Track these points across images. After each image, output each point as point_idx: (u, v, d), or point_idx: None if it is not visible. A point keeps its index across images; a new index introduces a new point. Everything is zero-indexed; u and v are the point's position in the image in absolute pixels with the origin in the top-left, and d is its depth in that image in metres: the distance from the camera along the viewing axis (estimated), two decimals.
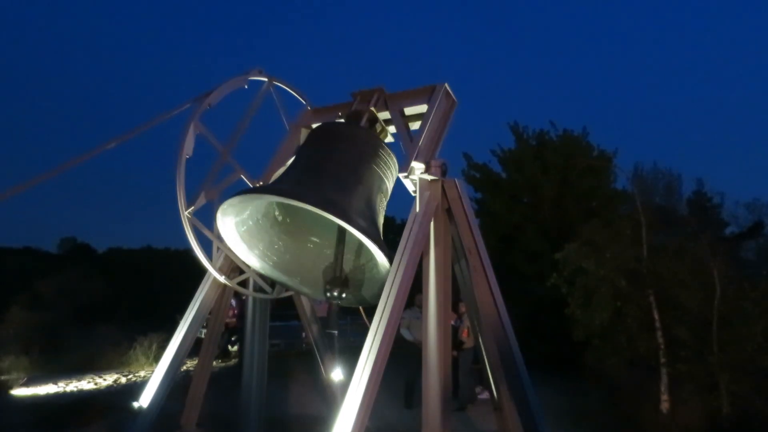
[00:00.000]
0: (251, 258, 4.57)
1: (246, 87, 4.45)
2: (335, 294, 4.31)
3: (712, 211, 13.23)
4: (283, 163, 4.89)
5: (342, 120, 4.74)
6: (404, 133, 4.38)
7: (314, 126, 4.98)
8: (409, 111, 4.56)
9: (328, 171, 4.14)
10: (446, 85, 4.37)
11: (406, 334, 8.92)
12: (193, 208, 4.20)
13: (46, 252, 31.89)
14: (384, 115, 4.66)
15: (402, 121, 4.47)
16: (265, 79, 4.60)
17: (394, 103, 4.56)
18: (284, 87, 4.89)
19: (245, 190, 4.09)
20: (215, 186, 4.40)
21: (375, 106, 4.59)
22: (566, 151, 14.28)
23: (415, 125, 4.56)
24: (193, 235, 4.18)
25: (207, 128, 4.22)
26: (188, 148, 4.10)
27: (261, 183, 4.92)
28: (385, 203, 4.58)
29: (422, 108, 4.41)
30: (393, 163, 4.57)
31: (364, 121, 4.58)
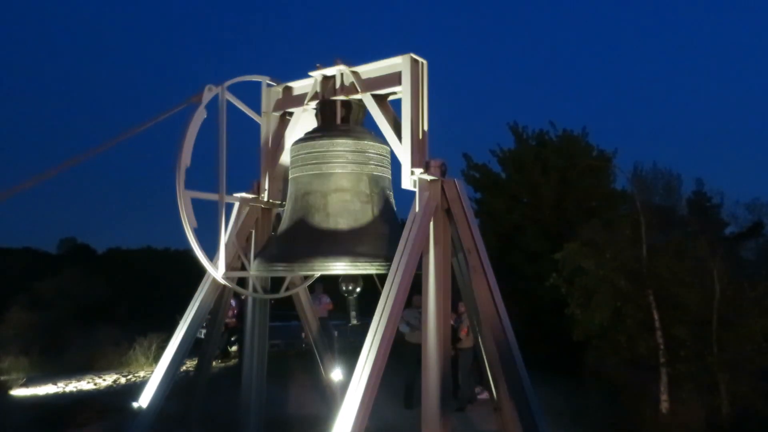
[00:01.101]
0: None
1: (206, 115, 4.35)
2: (350, 288, 4.40)
3: (712, 211, 13.21)
4: (273, 156, 4.94)
5: (315, 110, 4.67)
6: (393, 137, 4.28)
7: (286, 110, 4.91)
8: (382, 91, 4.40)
9: (337, 209, 4.27)
10: (411, 55, 4.16)
11: (404, 328, 8.85)
12: (222, 268, 4.38)
13: (46, 252, 31.83)
14: (353, 89, 4.48)
15: (386, 120, 4.33)
16: (218, 91, 4.47)
17: (363, 84, 4.39)
18: (239, 80, 4.78)
19: (276, 262, 4.37)
20: (233, 228, 4.71)
21: (343, 89, 4.47)
22: (566, 151, 14.27)
23: (392, 89, 4.39)
24: (194, 235, 4.18)
25: (195, 191, 4.28)
26: (190, 218, 4.19)
27: (258, 185, 4.94)
28: (391, 194, 4.63)
29: (396, 88, 4.26)
30: (385, 151, 4.56)
31: (339, 112, 4.51)
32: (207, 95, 4.36)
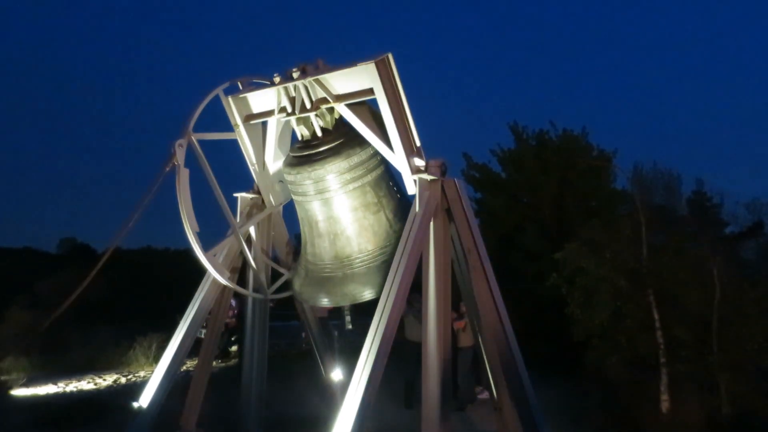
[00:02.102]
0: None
1: (188, 172, 4.29)
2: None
3: (712, 211, 13.20)
4: (259, 161, 4.93)
5: (293, 127, 4.56)
6: (384, 148, 4.19)
7: (257, 113, 4.77)
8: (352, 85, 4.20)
9: (354, 230, 4.34)
10: (373, 62, 3.93)
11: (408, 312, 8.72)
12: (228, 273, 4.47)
13: (46, 252, 31.85)
14: (324, 100, 4.32)
15: (367, 126, 4.21)
16: (186, 142, 4.36)
17: (334, 94, 4.19)
18: (201, 111, 4.54)
19: (306, 297, 4.69)
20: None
21: (312, 103, 4.27)
22: (566, 151, 14.27)
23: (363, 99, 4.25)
24: (195, 235, 4.18)
25: (212, 248, 4.40)
26: (221, 272, 4.39)
27: (258, 187, 4.95)
28: (393, 183, 4.61)
29: (371, 96, 4.09)
30: (375, 150, 4.43)
31: (317, 125, 4.36)
32: (180, 153, 4.25)
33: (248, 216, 4.87)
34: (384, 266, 4.15)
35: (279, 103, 4.43)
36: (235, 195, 4.88)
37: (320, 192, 4.34)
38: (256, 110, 4.75)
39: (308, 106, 4.29)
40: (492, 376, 4.28)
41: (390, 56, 3.97)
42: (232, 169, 4.78)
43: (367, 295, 4.22)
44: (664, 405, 8.28)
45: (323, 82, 4.21)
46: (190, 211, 4.14)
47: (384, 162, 4.52)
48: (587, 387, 9.33)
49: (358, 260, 4.27)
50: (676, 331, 8.34)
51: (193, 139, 4.38)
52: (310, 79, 4.19)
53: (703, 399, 7.97)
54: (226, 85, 4.73)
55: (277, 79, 4.33)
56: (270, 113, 4.57)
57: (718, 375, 7.88)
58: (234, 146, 4.91)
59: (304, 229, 4.63)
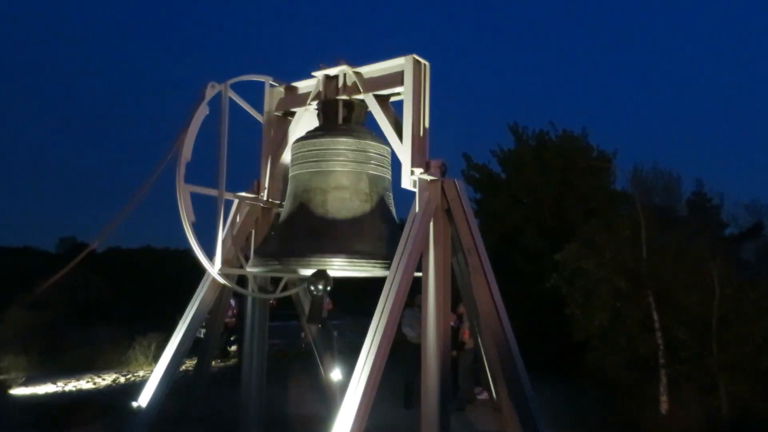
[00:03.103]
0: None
1: (208, 112, 4.36)
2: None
3: (712, 212, 13.21)
4: (274, 156, 4.94)
5: (317, 110, 4.68)
6: (394, 137, 4.29)
7: (288, 110, 4.92)
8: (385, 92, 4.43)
9: (335, 207, 4.27)
10: (414, 56, 4.18)
11: (410, 333, 8.83)
12: (218, 264, 4.35)
13: (45, 251, 31.85)
14: (355, 89, 4.51)
15: (387, 121, 4.35)
16: (221, 89, 4.48)
17: (366, 84, 4.42)
18: (242, 80, 4.78)
19: (273, 258, 4.34)
20: (230, 225, 4.67)
21: (345, 89, 4.48)
22: (566, 152, 14.27)
23: (393, 96, 4.46)
24: (194, 235, 4.18)
25: (195, 185, 4.27)
26: (189, 213, 4.18)
27: (258, 184, 4.93)
28: (390, 194, 4.63)
29: (399, 88, 4.28)
30: (386, 151, 4.56)
31: (341, 112, 4.52)
32: (210, 92, 4.37)
33: (248, 216, 4.86)
34: (351, 246, 4.08)
35: (315, 90, 4.61)
36: (235, 194, 4.87)
37: (318, 161, 4.36)
38: (292, 99, 4.94)
39: (340, 91, 4.48)
40: (492, 376, 4.28)
41: (428, 65, 4.27)
42: (233, 170, 4.77)
43: (326, 265, 4.10)
44: (664, 405, 8.28)
45: (361, 73, 4.45)
46: (190, 142, 4.20)
47: (389, 173, 4.60)
48: (587, 387, 9.34)
49: (327, 234, 4.18)
50: (676, 331, 8.35)
51: (228, 91, 4.50)
52: (351, 69, 4.42)
53: (703, 399, 7.97)
54: (271, 80, 4.95)
55: (322, 66, 4.53)
56: (304, 101, 4.74)
57: (718, 376, 7.88)
58: (234, 147, 4.90)
59: (286, 204, 4.60)
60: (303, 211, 4.35)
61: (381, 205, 4.42)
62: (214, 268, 4.34)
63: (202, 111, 4.30)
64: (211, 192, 4.42)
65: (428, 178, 4.12)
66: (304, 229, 4.28)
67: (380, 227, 4.30)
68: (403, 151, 4.15)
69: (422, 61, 4.24)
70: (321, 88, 4.56)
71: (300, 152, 4.51)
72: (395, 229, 4.36)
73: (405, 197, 4.31)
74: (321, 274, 4.28)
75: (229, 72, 4.76)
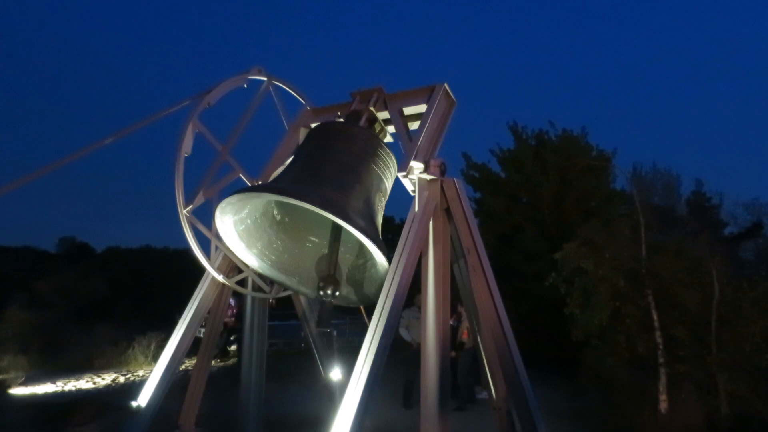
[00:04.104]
0: (249, 257, 4.54)
1: (245, 86, 4.43)
2: (328, 292, 4.28)
3: (711, 212, 13.25)
4: (282, 163, 4.88)
5: (341, 119, 4.74)
6: (403, 132, 4.37)
7: (313, 125, 4.98)
8: (408, 111, 4.56)
9: (326, 170, 4.15)
10: (446, 85, 4.37)
11: (405, 334, 8.92)
12: (191, 206, 4.18)
13: (45, 251, 31.85)
14: (383, 115, 4.67)
15: (401, 120, 4.47)
16: (265, 79, 4.59)
17: (394, 103, 4.57)
18: (283, 86, 4.89)
19: (244, 189, 4.08)
20: (214, 185, 4.38)
21: (374, 106, 4.59)
22: (565, 151, 14.29)
23: (414, 125, 4.57)
24: (192, 233, 4.16)
25: (206, 127, 4.20)
26: (187, 146, 4.09)
27: (260, 182, 4.92)
28: (384, 203, 4.59)
29: (421, 108, 4.41)
30: (392, 162, 4.58)
31: (363, 121, 4.58)
32: (254, 72, 4.44)
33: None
34: (333, 197, 3.87)
35: (345, 109, 4.66)
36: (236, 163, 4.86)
37: (326, 138, 4.33)
38: (319, 117, 4.99)
39: (366, 106, 4.59)
40: (491, 375, 4.28)
41: (455, 101, 4.50)
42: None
43: (303, 195, 3.74)
44: (663, 405, 8.29)
45: (393, 97, 4.59)
46: (217, 95, 4.21)
47: (389, 182, 4.60)
48: (586, 387, 9.35)
49: (313, 184, 4.00)
50: (675, 331, 8.36)
51: (271, 83, 4.61)
52: (384, 93, 4.54)
53: (702, 399, 7.98)
54: (309, 102, 5.01)
55: (357, 96, 4.64)
56: (333, 111, 4.82)
57: (717, 375, 7.89)
58: (237, 147, 4.89)
59: (285, 169, 4.51)
60: (292, 172, 4.19)
61: (371, 197, 4.33)
62: (214, 269, 4.32)
63: (240, 79, 4.34)
64: (216, 145, 4.35)
65: (427, 177, 4.12)
66: (286, 179, 4.13)
67: (364, 210, 4.14)
68: (410, 146, 4.17)
69: (451, 95, 4.45)
70: (353, 107, 4.66)
71: (308, 136, 4.54)
72: (376, 226, 4.29)
73: (405, 197, 4.31)
74: (330, 280, 4.27)
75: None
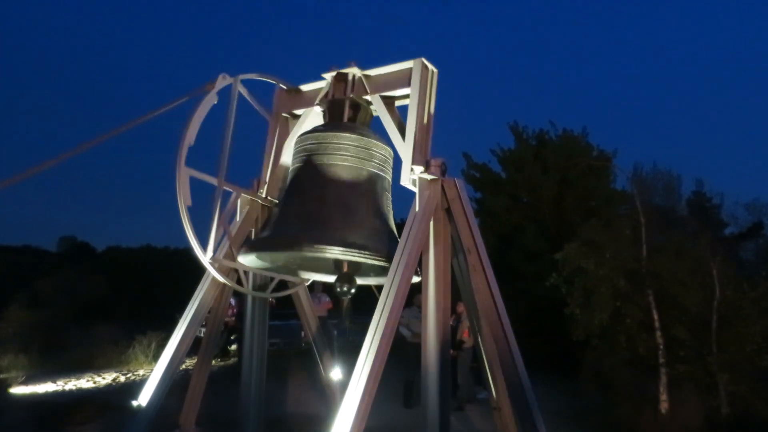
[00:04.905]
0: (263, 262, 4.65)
1: (216, 101, 4.32)
2: (344, 289, 4.33)
3: (712, 212, 13.24)
4: (274, 154, 4.92)
5: (323, 110, 4.70)
6: (397, 136, 4.31)
7: (295, 111, 4.96)
8: (391, 93, 4.48)
9: (332, 199, 4.23)
10: (423, 60, 4.25)
11: (405, 332, 8.91)
12: (210, 252, 4.27)
13: (45, 250, 31.87)
14: (362, 91, 4.56)
15: (392, 120, 4.37)
16: (232, 81, 4.47)
17: (373, 85, 4.48)
18: (253, 77, 4.80)
19: (259, 245, 4.31)
20: (223, 215, 4.55)
21: (353, 90, 4.52)
22: (566, 151, 14.29)
23: (402, 102, 4.49)
24: (188, 217, 4.15)
25: (195, 169, 4.20)
26: (186, 196, 4.11)
27: (262, 191, 4.92)
28: (389, 196, 4.63)
29: (405, 90, 4.33)
30: (389, 153, 4.57)
31: (347, 112, 4.53)
32: (221, 82, 4.35)
33: (247, 215, 4.85)
34: (344, 237, 4.00)
35: (324, 90, 4.62)
36: (233, 187, 4.87)
37: (320, 154, 4.34)
38: (300, 101, 4.95)
39: (347, 92, 4.51)
40: (491, 375, 4.28)
41: (436, 72, 4.33)
42: (232, 170, 4.76)
43: (313, 249, 3.99)
44: (663, 405, 8.29)
45: (370, 75, 4.49)
46: (194, 128, 4.16)
47: (390, 174, 4.60)
48: (586, 387, 9.34)
49: (320, 223, 4.12)
50: (676, 331, 8.35)
51: (238, 84, 4.50)
52: (360, 72, 4.44)
53: (702, 399, 7.97)
54: (283, 83, 4.97)
55: (333, 71, 4.54)
56: (311, 102, 4.76)
57: (717, 375, 7.89)
58: (235, 144, 4.90)
59: (284, 196, 4.57)
60: (298, 202, 4.30)
61: (379, 203, 4.40)
62: (205, 257, 4.27)
63: (211, 98, 4.28)
64: (211, 180, 4.36)
65: (428, 177, 4.12)
66: (297, 218, 4.21)
67: (376, 223, 4.27)
68: (405, 150, 4.15)
69: (430, 66, 4.29)
70: (329, 89, 4.59)
71: (301, 146, 4.52)
72: (392, 229, 4.36)
73: (405, 197, 4.31)
74: (346, 277, 4.30)
75: (237, 69, 4.75)
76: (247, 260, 4.51)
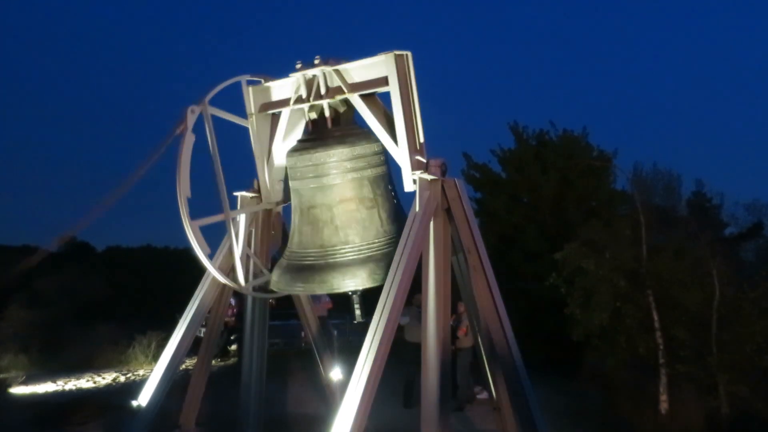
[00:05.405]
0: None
1: (195, 139, 4.28)
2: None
3: (712, 212, 13.22)
4: (265, 155, 4.88)
5: (306, 119, 4.59)
6: (389, 141, 4.23)
7: (270, 111, 4.81)
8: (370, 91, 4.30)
9: (345, 222, 4.30)
10: (394, 53, 4.03)
11: (403, 319, 8.77)
12: (243, 281, 4.54)
13: (45, 250, 31.79)
14: (338, 90, 4.36)
15: (377, 119, 4.26)
16: (201, 110, 4.38)
17: (350, 85, 4.26)
18: (219, 89, 4.61)
19: (291, 282, 4.49)
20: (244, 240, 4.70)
21: (328, 92, 4.33)
22: (566, 151, 14.27)
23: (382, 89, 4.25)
24: (211, 264, 4.24)
25: (201, 218, 4.29)
26: (202, 246, 4.24)
27: (258, 185, 4.92)
28: (393, 185, 4.60)
29: (385, 88, 4.13)
30: (379, 147, 4.45)
31: (329, 114, 4.40)
32: (191, 118, 4.26)
33: (263, 227, 4.88)
34: (369, 261, 4.14)
35: (296, 91, 4.48)
36: (234, 194, 4.87)
37: (318, 176, 4.34)
38: (273, 99, 4.80)
39: (324, 93, 4.34)
40: (491, 375, 4.28)
41: (409, 54, 4.10)
42: (232, 169, 4.76)
43: (347, 284, 4.17)
44: (663, 405, 8.29)
45: (342, 71, 4.29)
46: (186, 177, 4.15)
47: (386, 164, 4.55)
48: (586, 387, 9.35)
49: (342, 251, 4.23)
50: (676, 331, 8.35)
51: (207, 110, 4.42)
52: (330, 68, 4.26)
53: (703, 400, 7.98)
54: (247, 77, 4.82)
55: (298, 65, 4.39)
56: (286, 102, 4.61)
57: (717, 375, 7.89)
58: (232, 144, 4.90)
59: (294, 218, 4.64)
60: (312, 229, 4.37)
61: (387, 206, 4.43)
62: (245, 287, 4.49)
63: (190, 140, 4.22)
64: (218, 218, 4.43)
65: (428, 177, 4.11)
66: (318, 252, 4.34)
67: (392, 229, 4.33)
68: (401, 153, 4.12)
69: (403, 53, 4.07)
70: (302, 91, 4.43)
71: (296, 166, 4.45)
72: (399, 224, 4.36)
73: (405, 197, 4.31)
74: None
75: (209, 68, 4.67)
76: (277, 288, 4.72)
